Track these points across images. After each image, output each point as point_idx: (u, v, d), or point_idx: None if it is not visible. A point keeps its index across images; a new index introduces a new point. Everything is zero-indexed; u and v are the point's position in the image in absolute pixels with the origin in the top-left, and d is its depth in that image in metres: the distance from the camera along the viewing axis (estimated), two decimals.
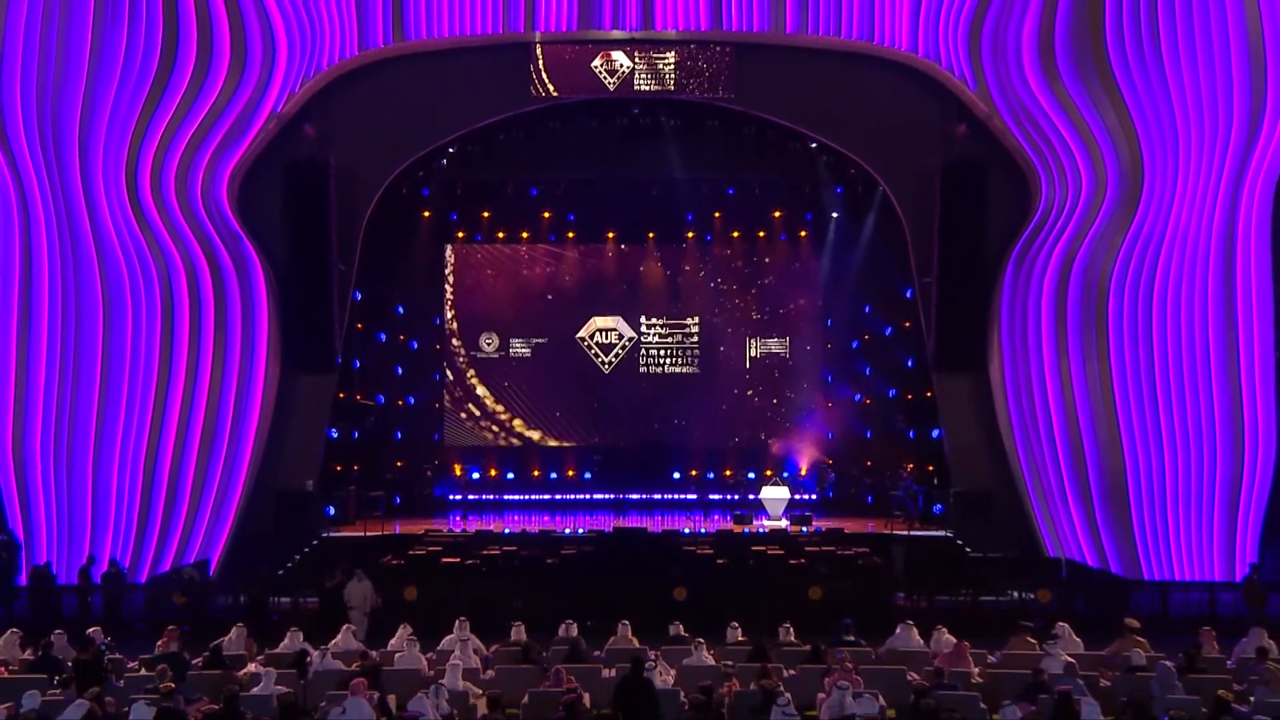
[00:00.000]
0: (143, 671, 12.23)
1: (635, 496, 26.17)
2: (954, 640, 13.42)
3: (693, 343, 27.18)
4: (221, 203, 21.66)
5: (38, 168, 19.08)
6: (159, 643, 13.79)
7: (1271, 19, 19.25)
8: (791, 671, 12.10)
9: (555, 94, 22.68)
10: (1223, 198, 19.65)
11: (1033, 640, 13.81)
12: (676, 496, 26.31)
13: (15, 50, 18.93)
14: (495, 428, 27.03)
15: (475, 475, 26.59)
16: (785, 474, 25.31)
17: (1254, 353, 19.70)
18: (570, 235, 26.79)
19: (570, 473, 26.91)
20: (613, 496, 26.13)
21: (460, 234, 26.92)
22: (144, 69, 19.74)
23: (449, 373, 27.04)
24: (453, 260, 27.10)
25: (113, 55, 19.38)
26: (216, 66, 20.76)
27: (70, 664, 12.54)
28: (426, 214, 25.95)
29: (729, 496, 25.59)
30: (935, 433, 23.74)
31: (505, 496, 26.42)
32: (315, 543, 21.18)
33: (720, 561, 19.27)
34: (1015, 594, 18.67)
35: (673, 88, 22.74)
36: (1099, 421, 20.61)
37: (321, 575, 18.44)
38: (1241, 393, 19.67)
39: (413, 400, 26.76)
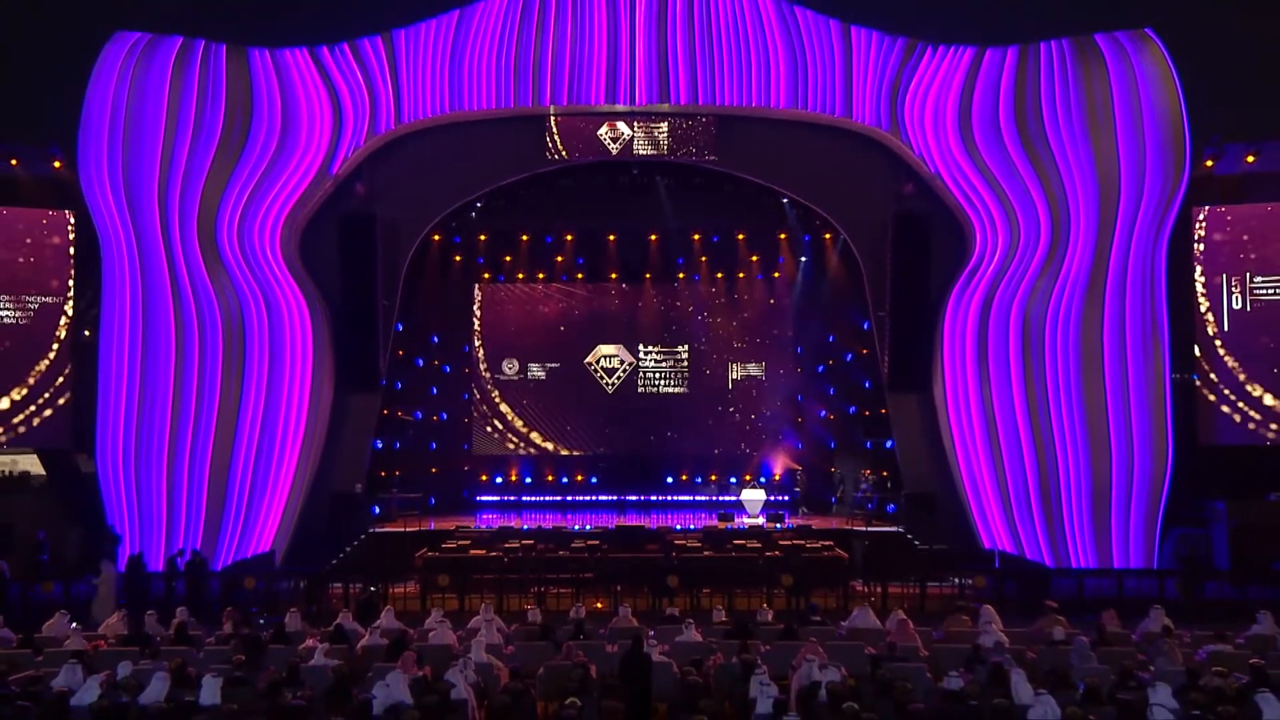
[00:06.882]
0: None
1: (635, 498, 26.14)
2: (902, 617, 13.53)
3: (683, 367, 27.29)
4: (288, 249, 21.92)
5: (134, 223, 20.18)
6: (224, 620, 13.68)
7: (1149, 100, 19.88)
8: (767, 647, 12.19)
9: (567, 157, 22.89)
10: (1122, 248, 20.14)
11: (966, 618, 13.95)
12: (669, 498, 26.26)
13: (119, 125, 19.80)
14: (515, 439, 27.08)
15: (499, 480, 26.71)
16: (762, 478, 25.39)
17: (1160, 378, 20.09)
18: (579, 276, 26.88)
19: (579, 478, 26.89)
20: (615, 498, 26.15)
21: (486, 275, 27.01)
22: (224, 141, 20.63)
23: (476, 393, 27.11)
24: (479, 297, 27.21)
25: (199, 130, 20.47)
26: (283, 138, 21.23)
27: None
28: (458, 258, 26.14)
29: (714, 498, 25.60)
30: (888, 443, 23.81)
31: (524, 498, 26.44)
32: (363, 537, 21.23)
33: (707, 553, 19.33)
34: (956, 580, 18.81)
35: (666, 152, 22.94)
36: (1024, 434, 20.81)
37: (365, 566, 18.62)
38: (1164, 411, 20.07)
39: (445, 416, 26.78)
